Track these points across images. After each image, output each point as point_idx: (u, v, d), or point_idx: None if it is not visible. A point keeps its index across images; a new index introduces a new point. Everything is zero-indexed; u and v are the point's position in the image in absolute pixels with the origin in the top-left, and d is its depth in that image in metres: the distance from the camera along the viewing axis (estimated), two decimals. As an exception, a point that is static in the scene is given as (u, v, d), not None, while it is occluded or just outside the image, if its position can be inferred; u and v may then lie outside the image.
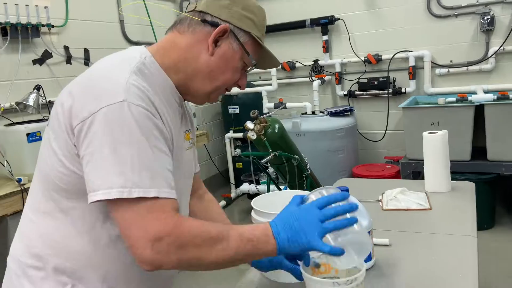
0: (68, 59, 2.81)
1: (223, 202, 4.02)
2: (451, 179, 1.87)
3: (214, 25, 0.90)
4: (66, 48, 2.80)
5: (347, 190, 0.97)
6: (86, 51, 2.93)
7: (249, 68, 0.99)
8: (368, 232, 0.98)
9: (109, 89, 0.79)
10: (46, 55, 2.64)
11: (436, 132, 1.84)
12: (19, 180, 2.08)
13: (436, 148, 1.82)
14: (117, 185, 0.74)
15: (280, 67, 4.26)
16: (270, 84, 4.08)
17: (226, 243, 0.80)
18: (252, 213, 1.25)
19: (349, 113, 3.76)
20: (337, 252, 0.82)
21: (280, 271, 1.13)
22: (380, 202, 1.77)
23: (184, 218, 0.81)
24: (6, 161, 2.10)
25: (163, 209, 0.76)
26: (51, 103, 2.53)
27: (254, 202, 1.26)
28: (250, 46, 0.94)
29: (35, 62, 2.59)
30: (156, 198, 0.76)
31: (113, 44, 3.19)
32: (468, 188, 1.85)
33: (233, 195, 4.16)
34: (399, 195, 1.78)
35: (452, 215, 1.59)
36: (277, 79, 4.10)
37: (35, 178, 0.92)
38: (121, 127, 0.76)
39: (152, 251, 0.74)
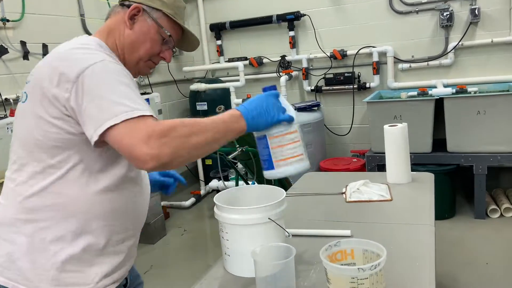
0: (25, 55, 2.70)
1: (192, 200, 3.99)
2: (413, 171, 1.93)
3: (129, 6, 1.09)
4: (23, 43, 2.69)
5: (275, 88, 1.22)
6: (45, 46, 2.82)
7: (166, 41, 1.13)
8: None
9: (86, 57, 0.96)
10: (2, 50, 2.53)
11: (397, 125, 1.89)
12: (-27, 182, 1.99)
13: (396, 141, 1.86)
14: (121, 111, 0.90)
15: (248, 62, 4.26)
16: (238, 80, 4.07)
17: (203, 125, 0.97)
18: (215, 208, 1.24)
19: (316, 108, 3.81)
20: (292, 119, 1.13)
21: (243, 267, 1.14)
22: (343, 195, 1.80)
23: (164, 120, 0.97)
24: (-42, 162, 2.00)
25: (147, 121, 0.92)
26: (7, 101, 2.42)
27: (217, 198, 1.25)
28: (164, 22, 1.11)
29: (-11, 57, 2.47)
30: (148, 116, 0.92)
31: (72, 37, 3.08)
32: (428, 179, 1.92)
33: (202, 192, 4.13)
34: (362, 187, 1.82)
35: (411, 205, 1.64)
36: (245, 75, 4.10)
37: (16, 149, 1.04)
38: (108, 75, 0.94)
39: (148, 147, 0.88)
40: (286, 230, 1.19)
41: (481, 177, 3.04)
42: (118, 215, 1.07)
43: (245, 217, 1.15)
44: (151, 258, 3.01)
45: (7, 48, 2.57)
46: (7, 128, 2.17)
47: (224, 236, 1.22)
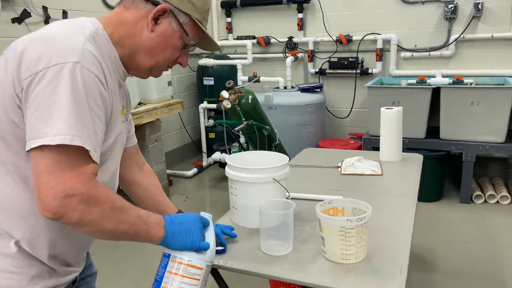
0: (46, 20, 2.83)
1: (194, 170, 4.18)
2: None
3: (155, 3, 0.95)
4: (45, 8, 2.81)
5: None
6: (64, 12, 2.95)
7: (189, 49, 1.04)
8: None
9: (64, 49, 0.84)
10: (25, 14, 2.66)
11: (393, 108, 2.06)
12: None
13: (391, 122, 2.04)
14: (62, 132, 0.78)
15: (255, 41, 4.38)
16: (245, 58, 4.20)
17: (126, 217, 0.88)
18: (226, 168, 1.42)
19: (318, 90, 3.96)
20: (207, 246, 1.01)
21: (248, 219, 1.33)
22: (339, 168, 1.99)
23: (98, 183, 0.86)
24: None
25: (85, 170, 0.82)
26: (29, 63, 2.57)
27: (229, 159, 1.43)
28: (189, 27, 1.00)
29: (14, 20, 2.60)
30: (85, 154, 0.82)
31: (91, 7, 3.21)
32: (417, 159, 2.10)
33: (204, 163, 4.32)
34: (356, 163, 2.00)
35: (399, 180, 1.83)
36: (252, 54, 4.23)
37: None
38: (69, 86, 0.80)
39: (60, 203, 0.78)
40: (287, 190, 1.37)
41: (469, 164, 3.23)
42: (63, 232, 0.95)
43: (252, 176, 1.34)
44: (155, 220, 3.22)
45: (30, 12, 2.69)
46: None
47: (233, 192, 1.40)
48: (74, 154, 0.81)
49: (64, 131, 0.79)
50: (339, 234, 1.11)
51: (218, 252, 1.20)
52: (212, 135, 4.38)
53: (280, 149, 2.95)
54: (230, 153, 3.94)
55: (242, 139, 3.79)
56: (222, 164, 4.02)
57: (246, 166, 1.38)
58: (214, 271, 1.22)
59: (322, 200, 1.23)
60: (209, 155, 4.33)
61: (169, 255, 0.98)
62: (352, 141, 3.82)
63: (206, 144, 4.38)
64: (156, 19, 0.96)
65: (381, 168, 1.94)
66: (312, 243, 1.24)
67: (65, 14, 2.94)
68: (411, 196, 1.61)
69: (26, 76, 0.82)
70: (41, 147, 0.79)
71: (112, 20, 0.98)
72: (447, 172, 3.51)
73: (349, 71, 4.11)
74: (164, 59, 1.01)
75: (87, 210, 0.81)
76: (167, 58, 1.02)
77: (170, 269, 0.97)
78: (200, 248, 0.99)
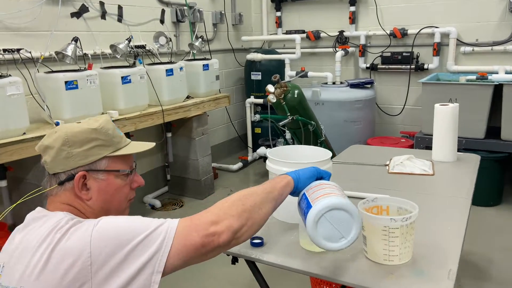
0: (103, 15, 2.95)
1: (239, 164, 4.20)
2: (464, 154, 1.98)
3: (72, 178, 0.94)
4: (101, 3, 2.93)
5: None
6: (120, 8, 3.06)
7: (133, 170, 1.03)
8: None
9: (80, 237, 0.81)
10: (83, 9, 2.79)
11: (448, 105, 1.93)
12: (57, 124, 2.28)
13: (446, 119, 1.91)
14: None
15: (305, 36, 4.31)
16: (293, 53, 4.15)
17: (250, 191, 0.96)
18: (267, 161, 1.40)
19: (369, 85, 3.82)
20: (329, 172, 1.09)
21: (288, 214, 1.29)
22: (387, 167, 1.89)
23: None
24: (46, 105, 2.29)
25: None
26: (86, 56, 2.69)
27: (270, 152, 1.41)
28: (114, 163, 0.98)
29: (73, 15, 2.74)
30: None
31: (145, 2, 3.30)
32: (473, 160, 1.96)
33: (249, 158, 4.33)
34: (405, 161, 1.90)
35: (452, 181, 1.71)
36: (301, 48, 4.17)
37: None
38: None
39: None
40: (329, 185, 1.32)
41: (534, 168, 2.97)
42: None
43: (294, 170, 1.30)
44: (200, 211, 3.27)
45: (88, 7, 2.82)
46: (87, 80, 2.43)
47: (274, 186, 1.37)
48: None
49: None
50: (382, 234, 1.05)
51: (255, 245, 1.19)
52: (258, 130, 4.37)
53: (326, 145, 2.88)
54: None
55: (288, 135, 3.76)
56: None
57: (287, 160, 1.34)
58: (251, 264, 1.21)
59: (365, 198, 1.17)
60: (254, 150, 4.33)
61: (303, 193, 1.03)
62: (404, 140, 3.66)
63: (252, 139, 4.39)
64: (84, 187, 0.95)
65: (432, 168, 1.83)
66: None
67: (120, 10, 3.05)
68: (465, 198, 1.50)
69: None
70: None
71: (61, 207, 0.95)
72: (507, 176, 3.25)
73: (403, 66, 3.93)
74: (120, 201, 1.01)
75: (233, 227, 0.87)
76: (122, 198, 1.01)
77: (309, 195, 1.00)
78: (322, 174, 1.08)
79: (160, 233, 0.82)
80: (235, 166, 4.15)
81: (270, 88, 2.51)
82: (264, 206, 0.93)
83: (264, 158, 4.03)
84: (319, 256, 1.14)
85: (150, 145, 1.09)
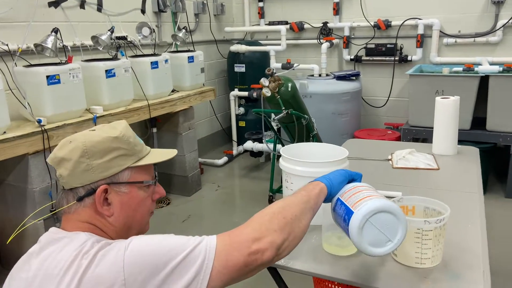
0: (82, 4, 2.78)
1: (225, 159, 4.11)
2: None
3: (92, 193, 0.86)
4: (80, -8, 2.76)
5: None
6: (100, -4, 2.90)
7: (155, 182, 0.95)
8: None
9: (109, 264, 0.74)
10: (61, -2, 2.61)
11: (449, 98, 1.92)
12: (39, 121, 2.13)
13: (447, 113, 1.90)
14: None
15: (288, 27, 4.24)
16: (278, 44, 4.08)
17: (287, 202, 0.89)
18: (281, 160, 1.33)
19: (355, 77, 3.81)
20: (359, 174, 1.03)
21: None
22: (390, 161, 1.87)
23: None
24: (28, 103, 2.13)
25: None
26: (66, 48, 2.52)
27: (283, 150, 1.34)
28: (136, 174, 0.90)
29: (50, 4, 2.56)
30: None
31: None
32: (473, 152, 1.97)
33: (234, 152, 4.25)
34: (407, 156, 1.88)
35: (459, 175, 1.70)
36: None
37: None
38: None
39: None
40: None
41: (518, 158, 3.05)
42: None
43: (311, 170, 1.24)
44: (188, 209, 3.18)
45: (66, -4, 2.65)
46: (70, 74, 2.28)
47: (288, 186, 1.31)
48: None
49: None
50: (415, 237, 1.01)
51: None
52: (242, 124, 4.29)
53: (317, 139, 2.85)
54: (261, 143, 3.86)
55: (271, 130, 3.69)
56: (254, 153, 3.94)
57: (302, 158, 1.29)
58: (273, 271, 1.15)
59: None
60: (239, 143, 4.26)
61: (338, 198, 0.97)
62: (390, 132, 3.68)
63: (237, 132, 4.31)
64: (105, 202, 0.87)
65: (436, 162, 1.82)
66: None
67: (100, -2, 2.89)
68: (477, 193, 1.49)
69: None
70: None
71: (89, 228, 0.86)
72: (492, 166, 3.33)
73: (387, 58, 3.94)
74: (142, 215, 0.93)
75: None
76: (144, 213, 0.94)
77: (345, 200, 0.95)
78: (353, 176, 1.02)
79: (199, 254, 0.75)
80: (220, 161, 4.07)
81: (264, 81, 2.43)
82: (304, 217, 0.87)
83: (250, 152, 3.96)
84: (346, 260, 1.09)
85: (173, 152, 1.00)
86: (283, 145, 3.14)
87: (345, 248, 1.12)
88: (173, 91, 3.23)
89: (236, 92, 4.20)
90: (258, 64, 4.15)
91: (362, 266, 1.06)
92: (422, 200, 1.12)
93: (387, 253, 0.90)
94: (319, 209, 0.94)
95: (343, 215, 0.92)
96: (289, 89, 2.55)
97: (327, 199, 0.97)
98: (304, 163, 1.26)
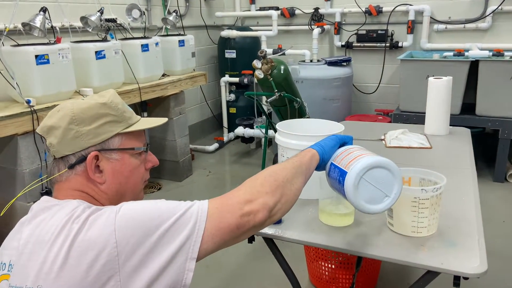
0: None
1: (215, 145, 4.10)
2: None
3: (83, 160, 0.84)
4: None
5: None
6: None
7: (146, 149, 0.94)
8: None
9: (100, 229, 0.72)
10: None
11: (442, 78, 1.93)
12: (28, 102, 2.09)
13: (440, 93, 1.92)
14: None
15: (279, 12, 4.21)
16: (270, 30, 4.05)
17: (285, 171, 0.87)
18: (277, 135, 1.33)
19: (346, 63, 3.81)
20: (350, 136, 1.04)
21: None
22: (383, 141, 1.88)
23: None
24: (16, 83, 2.08)
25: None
26: (54, 28, 2.47)
27: (280, 126, 1.34)
28: (129, 140, 0.89)
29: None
30: None
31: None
32: (464, 132, 1.99)
33: (225, 138, 4.23)
34: (400, 136, 1.89)
35: (451, 153, 1.72)
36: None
37: None
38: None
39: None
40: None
41: (506, 141, 3.09)
42: None
43: (307, 143, 1.23)
44: (179, 194, 3.16)
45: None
46: (59, 54, 2.23)
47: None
48: None
49: None
50: (412, 205, 1.02)
51: (274, 223, 1.12)
52: (233, 110, 4.27)
53: (310, 123, 2.85)
54: (252, 128, 3.84)
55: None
56: (245, 139, 3.93)
57: (298, 133, 1.28)
58: (270, 242, 1.15)
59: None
60: (230, 130, 4.24)
61: (331, 163, 0.96)
62: (381, 117, 3.70)
63: (227, 119, 4.28)
64: (97, 169, 0.85)
65: (428, 141, 1.84)
66: (374, 215, 1.15)
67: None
68: (469, 169, 1.51)
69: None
70: None
71: (80, 195, 0.84)
72: (480, 151, 3.38)
73: (378, 44, 3.95)
74: (135, 183, 0.92)
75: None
76: (137, 180, 0.92)
77: (338, 163, 0.94)
78: (344, 140, 1.02)
79: (191, 217, 0.74)
80: (211, 147, 4.05)
81: (257, 63, 2.42)
82: (295, 181, 0.88)
83: (241, 138, 3.95)
84: (342, 231, 1.10)
85: (163, 120, 0.99)
86: (275, 130, 3.14)
87: (342, 218, 1.12)
88: (163, 75, 3.19)
89: (227, 78, 4.17)
90: (249, 50, 4.12)
91: (358, 236, 1.07)
92: (418, 172, 1.13)
93: (386, 209, 0.90)
94: (312, 175, 0.94)
95: (337, 178, 0.92)
96: (282, 72, 2.54)
97: (321, 166, 0.97)
98: (299, 136, 1.27)
